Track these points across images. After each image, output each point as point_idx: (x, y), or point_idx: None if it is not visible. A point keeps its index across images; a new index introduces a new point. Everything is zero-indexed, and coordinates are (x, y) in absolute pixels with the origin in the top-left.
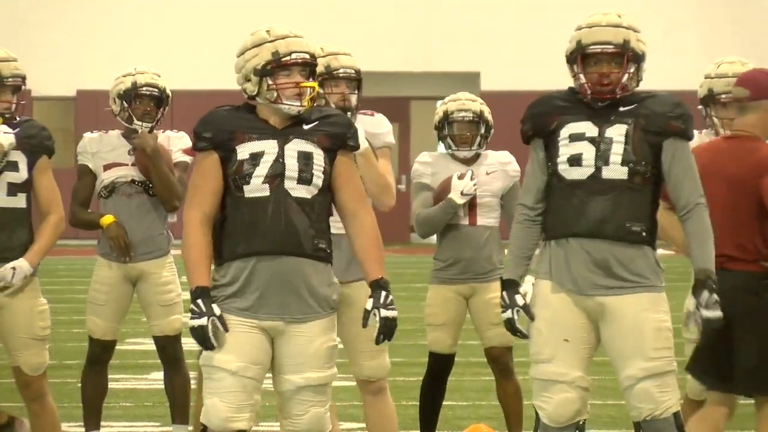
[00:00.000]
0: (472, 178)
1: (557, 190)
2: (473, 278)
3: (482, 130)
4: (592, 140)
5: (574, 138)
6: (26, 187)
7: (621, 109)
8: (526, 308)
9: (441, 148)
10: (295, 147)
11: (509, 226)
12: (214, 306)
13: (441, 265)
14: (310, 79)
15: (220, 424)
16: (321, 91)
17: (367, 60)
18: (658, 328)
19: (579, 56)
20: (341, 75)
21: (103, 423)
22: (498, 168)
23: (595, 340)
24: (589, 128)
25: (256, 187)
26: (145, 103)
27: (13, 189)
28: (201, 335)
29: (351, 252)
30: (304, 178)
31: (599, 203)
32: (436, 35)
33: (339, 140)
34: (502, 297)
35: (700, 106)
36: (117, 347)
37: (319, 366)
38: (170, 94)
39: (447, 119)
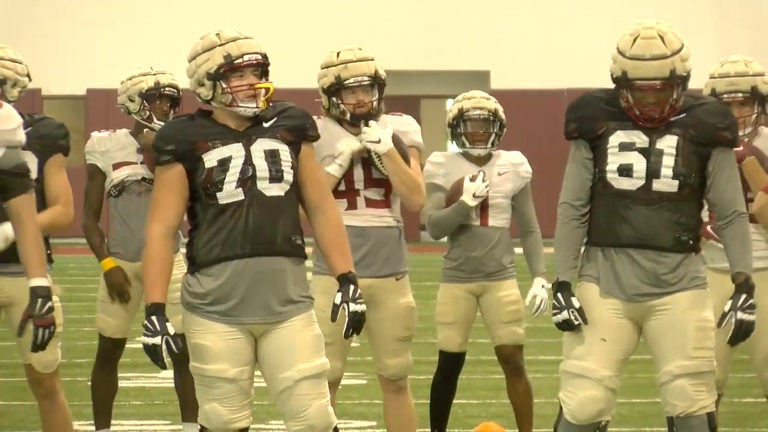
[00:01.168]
0: (483, 180)
1: (603, 197)
2: (484, 277)
3: (496, 129)
4: (642, 151)
5: (624, 147)
6: (37, 187)
7: (671, 118)
8: (581, 311)
9: (452, 147)
10: (260, 146)
11: (519, 226)
12: (168, 325)
13: (452, 264)
14: (264, 80)
15: (223, 427)
16: (273, 88)
17: (377, 59)
18: (702, 327)
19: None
20: (351, 84)
21: (113, 421)
22: (510, 169)
23: (634, 344)
24: (639, 138)
25: (230, 193)
26: (165, 103)
27: None
28: (153, 353)
29: (376, 246)
30: (276, 177)
31: (648, 214)
32: (447, 34)
33: (300, 131)
34: (556, 298)
35: None
36: (127, 346)
37: (309, 356)
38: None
39: (462, 117)
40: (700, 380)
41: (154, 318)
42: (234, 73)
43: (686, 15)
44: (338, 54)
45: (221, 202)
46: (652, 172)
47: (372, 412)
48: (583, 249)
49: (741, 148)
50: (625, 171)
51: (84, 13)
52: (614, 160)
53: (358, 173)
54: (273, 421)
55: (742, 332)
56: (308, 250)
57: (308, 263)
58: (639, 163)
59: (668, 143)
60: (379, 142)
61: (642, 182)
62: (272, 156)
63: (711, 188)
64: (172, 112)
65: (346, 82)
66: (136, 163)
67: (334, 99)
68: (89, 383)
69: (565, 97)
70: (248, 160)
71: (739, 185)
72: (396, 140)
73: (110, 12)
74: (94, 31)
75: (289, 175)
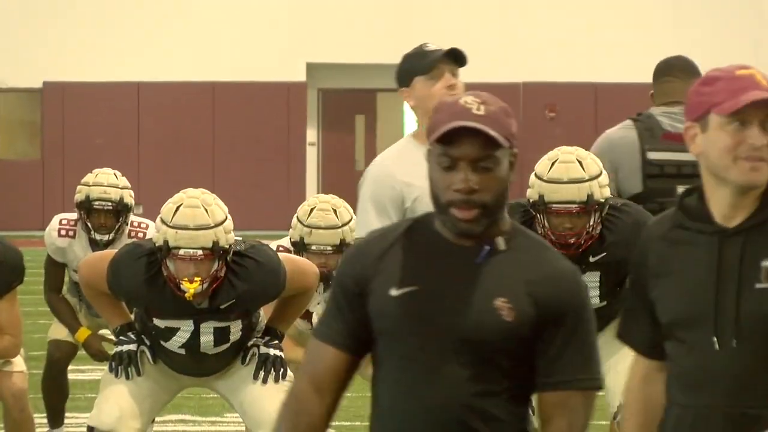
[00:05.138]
0: None
1: None
2: None
3: None
4: None
5: None
6: None
7: (591, 259)
8: None
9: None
10: (210, 325)
11: None
12: (143, 338)
13: None
14: (216, 264)
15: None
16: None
17: (333, 51)
18: None
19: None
20: (313, 251)
21: (68, 414)
22: None
23: None
24: None
25: (173, 347)
26: (100, 217)
27: None
28: (127, 359)
29: None
30: (221, 342)
31: None
32: (402, 27)
33: (263, 303)
34: None
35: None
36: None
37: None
38: (130, 202)
39: None
40: None
41: (130, 333)
42: (172, 256)
43: (642, 9)
44: (310, 212)
45: (164, 345)
46: None
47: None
48: None
49: None
50: None
51: (40, 5)
52: None
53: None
54: (228, 414)
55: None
56: None
57: None
58: None
59: (592, 278)
60: None
61: None
62: (221, 331)
63: None
64: (120, 220)
65: (310, 247)
66: None
67: (301, 253)
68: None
69: (521, 90)
70: (195, 335)
71: None
72: None
73: (66, 4)
74: (50, 23)
75: (236, 335)
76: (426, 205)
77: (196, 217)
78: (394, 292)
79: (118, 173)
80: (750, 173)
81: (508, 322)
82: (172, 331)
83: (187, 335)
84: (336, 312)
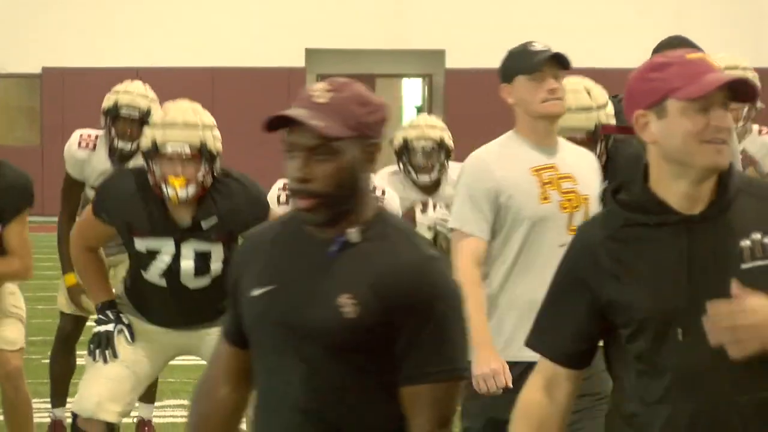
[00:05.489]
0: (434, 208)
1: None
2: None
3: (442, 158)
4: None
5: None
6: None
7: None
8: None
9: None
10: (191, 246)
11: None
12: (122, 316)
13: None
14: (200, 169)
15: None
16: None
17: (332, 37)
18: None
19: None
20: None
21: (70, 399)
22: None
23: None
24: None
25: (153, 277)
26: (126, 124)
27: None
28: (105, 341)
29: None
30: (201, 272)
31: None
32: (402, 12)
33: (242, 230)
34: None
35: None
36: (87, 324)
37: None
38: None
39: (407, 147)
40: None
41: (108, 312)
42: (159, 158)
43: None
44: None
45: (145, 277)
46: None
47: None
48: None
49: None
50: None
51: None
52: None
53: None
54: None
55: None
56: None
57: None
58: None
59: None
60: None
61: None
62: (202, 257)
63: None
64: (141, 132)
65: None
66: None
67: None
68: (44, 361)
69: None
70: (176, 259)
71: None
72: None
73: None
74: (49, 8)
75: (217, 266)
76: (519, 203)
77: (186, 114)
78: (254, 291)
79: (149, 87)
80: (716, 156)
81: (351, 318)
82: (152, 255)
83: (168, 259)
84: (229, 304)
